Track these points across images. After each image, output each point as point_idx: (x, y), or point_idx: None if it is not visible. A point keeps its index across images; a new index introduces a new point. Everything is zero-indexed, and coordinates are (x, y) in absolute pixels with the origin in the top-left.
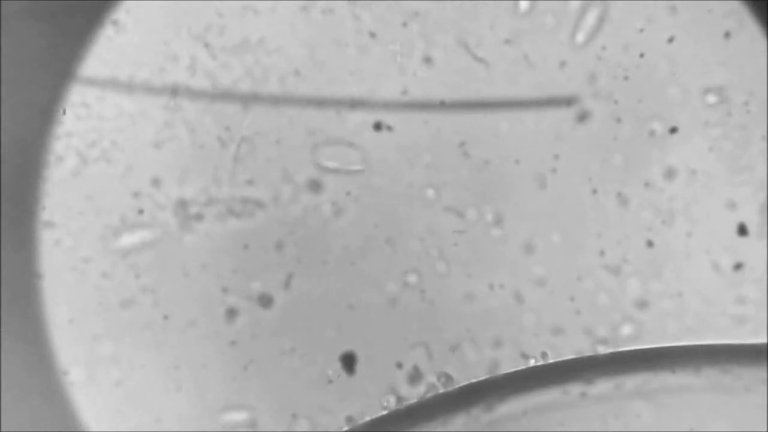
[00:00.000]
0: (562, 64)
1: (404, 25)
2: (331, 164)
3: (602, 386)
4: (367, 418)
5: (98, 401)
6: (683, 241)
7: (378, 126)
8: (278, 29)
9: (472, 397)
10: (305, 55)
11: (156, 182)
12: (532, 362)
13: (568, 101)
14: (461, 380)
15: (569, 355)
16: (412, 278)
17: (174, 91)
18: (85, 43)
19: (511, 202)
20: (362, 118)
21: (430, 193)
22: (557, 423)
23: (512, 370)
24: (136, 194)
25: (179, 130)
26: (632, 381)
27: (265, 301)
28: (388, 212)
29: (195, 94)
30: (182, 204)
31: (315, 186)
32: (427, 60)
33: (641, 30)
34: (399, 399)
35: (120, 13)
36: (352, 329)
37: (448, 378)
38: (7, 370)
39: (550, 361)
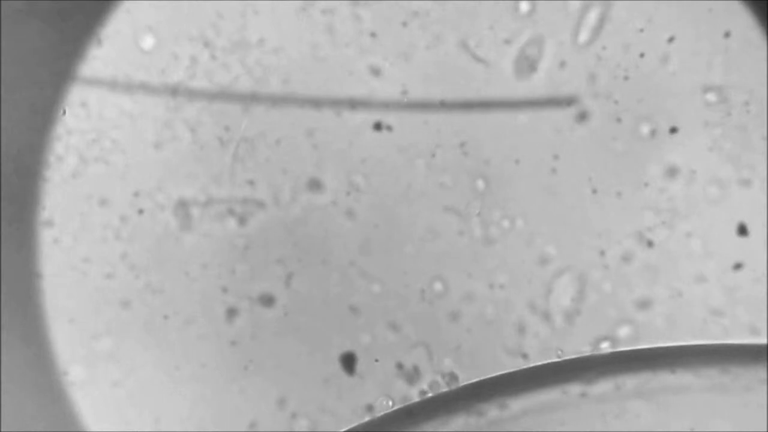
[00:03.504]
0: (562, 64)
1: (404, 25)
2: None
3: (602, 386)
4: (367, 418)
5: (98, 401)
6: (683, 241)
7: (378, 126)
8: (278, 29)
9: (472, 397)
10: (305, 55)
11: (156, 182)
12: (532, 362)
13: (568, 101)
14: (461, 380)
15: (569, 355)
16: (412, 278)
17: (174, 91)
18: (85, 43)
19: (511, 202)
20: (362, 118)
21: (430, 193)
22: (557, 423)
23: (512, 370)
24: (136, 194)
25: (179, 130)
26: (632, 381)
27: (266, 300)
28: (388, 212)
29: (195, 94)
30: (182, 204)
31: (315, 186)
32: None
33: (641, 30)
34: (399, 399)
35: (120, 14)
36: (352, 329)
37: (453, 377)
38: (7, 370)
39: (550, 361)
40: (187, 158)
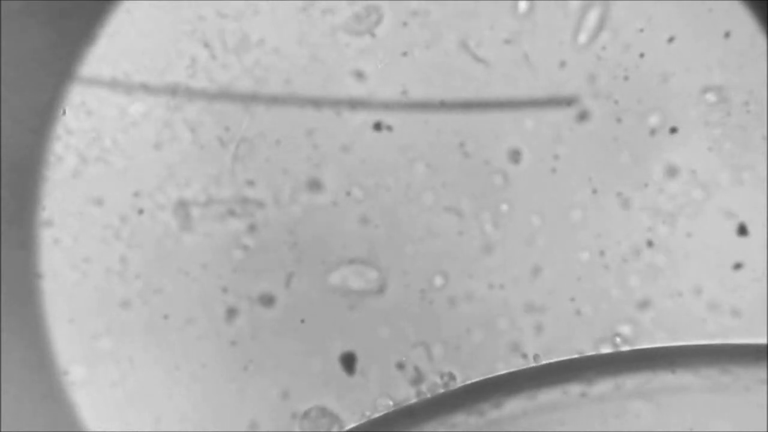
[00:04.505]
0: (562, 64)
1: (404, 25)
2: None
3: (602, 386)
4: (367, 418)
5: (98, 401)
6: (683, 241)
7: (378, 126)
8: (278, 29)
9: (472, 397)
10: (305, 55)
11: (156, 182)
12: (532, 362)
13: (568, 101)
14: (461, 380)
15: (569, 355)
16: (413, 278)
17: (174, 91)
18: (85, 43)
19: (510, 202)
20: (362, 118)
21: (430, 193)
22: (557, 423)
23: (512, 370)
24: (136, 194)
25: (179, 130)
26: (632, 381)
27: (266, 300)
28: (388, 212)
29: (195, 94)
30: (182, 204)
31: (315, 186)
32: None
33: (641, 30)
34: (399, 399)
35: (120, 14)
36: (352, 329)
37: (452, 377)
38: (7, 370)
39: (550, 361)
40: (187, 158)
